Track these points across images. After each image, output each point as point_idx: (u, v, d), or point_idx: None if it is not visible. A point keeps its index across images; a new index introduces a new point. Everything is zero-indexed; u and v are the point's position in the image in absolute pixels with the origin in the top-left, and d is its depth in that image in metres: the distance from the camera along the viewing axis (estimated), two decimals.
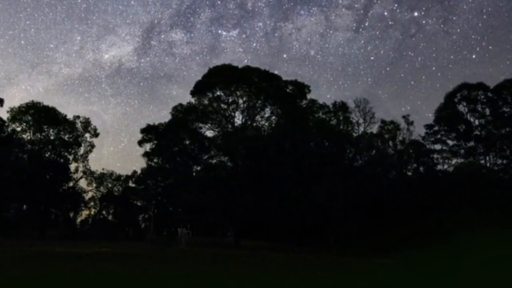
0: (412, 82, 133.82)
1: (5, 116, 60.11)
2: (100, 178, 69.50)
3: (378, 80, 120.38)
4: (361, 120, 51.63)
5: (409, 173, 55.37)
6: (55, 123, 62.43)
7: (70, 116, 63.60)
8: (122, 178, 72.63)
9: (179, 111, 54.00)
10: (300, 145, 48.42)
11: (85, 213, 73.96)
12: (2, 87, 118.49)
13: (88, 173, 66.31)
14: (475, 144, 53.70)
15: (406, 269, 24.43)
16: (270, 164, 46.86)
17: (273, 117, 53.43)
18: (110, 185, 71.97)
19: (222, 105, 52.43)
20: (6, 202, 62.73)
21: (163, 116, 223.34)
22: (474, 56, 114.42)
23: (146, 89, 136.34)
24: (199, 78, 53.37)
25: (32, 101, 61.55)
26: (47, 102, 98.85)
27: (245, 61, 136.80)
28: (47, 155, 63.14)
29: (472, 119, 54.84)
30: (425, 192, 45.77)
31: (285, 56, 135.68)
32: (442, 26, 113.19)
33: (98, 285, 14.86)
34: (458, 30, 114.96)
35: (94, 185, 69.11)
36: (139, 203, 71.91)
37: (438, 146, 55.23)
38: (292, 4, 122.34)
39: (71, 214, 71.95)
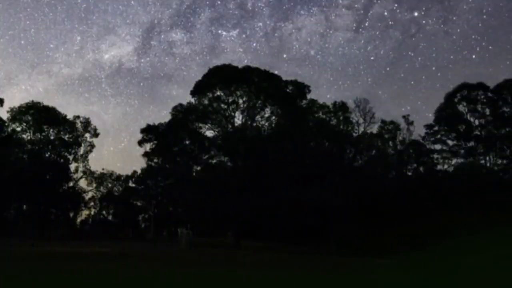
0: (412, 82, 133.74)
1: (5, 116, 60.13)
2: (100, 178, 69.43)
3: (378, 80, 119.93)
4: (361, 120, 51.60)
5: (409, 173, 55.39)
6: (55, 123, 62.40)
7: (70, 116, 63.58)
8: (122, 178, 72.55)
9: (179, 111, 54.01)
10: (300, 145, 48.45)
11: (85, 213, 73.78)
12: (2, 87, 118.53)
13: (88, 173, 66.32)
14: (475, 144, 53.63)
15: (406, 269, 24.42)
16: (270, 164, 46.87)
17: (273, 117, 53.41)
18: (110, 185, 71.85)
19: (222, 105, 52.42)
20: (6, 202, 62.70)
21: (163, 116, 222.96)
22: (474, 56, 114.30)
23: (146, 89, 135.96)
24: (199, 78, 53.37)
25: (32, 101, 61.57)
26: (47, 102, 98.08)
27: (245, 61, 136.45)
28: (47, 155, 63.14)
29: (472, 119, 54.77)
30: (425, 192, 45.78)
31: (285, 56, 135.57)
32: (442, 26, 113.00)
33: (98, 285, 14.86)
34: (458, 30, 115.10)
35: (94, 185, 69.03)
36: (139, 203, 71.80)
37: (438, 146, 55.17)
38: (292, 4, 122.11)
39: (71, 214, 71.82)
